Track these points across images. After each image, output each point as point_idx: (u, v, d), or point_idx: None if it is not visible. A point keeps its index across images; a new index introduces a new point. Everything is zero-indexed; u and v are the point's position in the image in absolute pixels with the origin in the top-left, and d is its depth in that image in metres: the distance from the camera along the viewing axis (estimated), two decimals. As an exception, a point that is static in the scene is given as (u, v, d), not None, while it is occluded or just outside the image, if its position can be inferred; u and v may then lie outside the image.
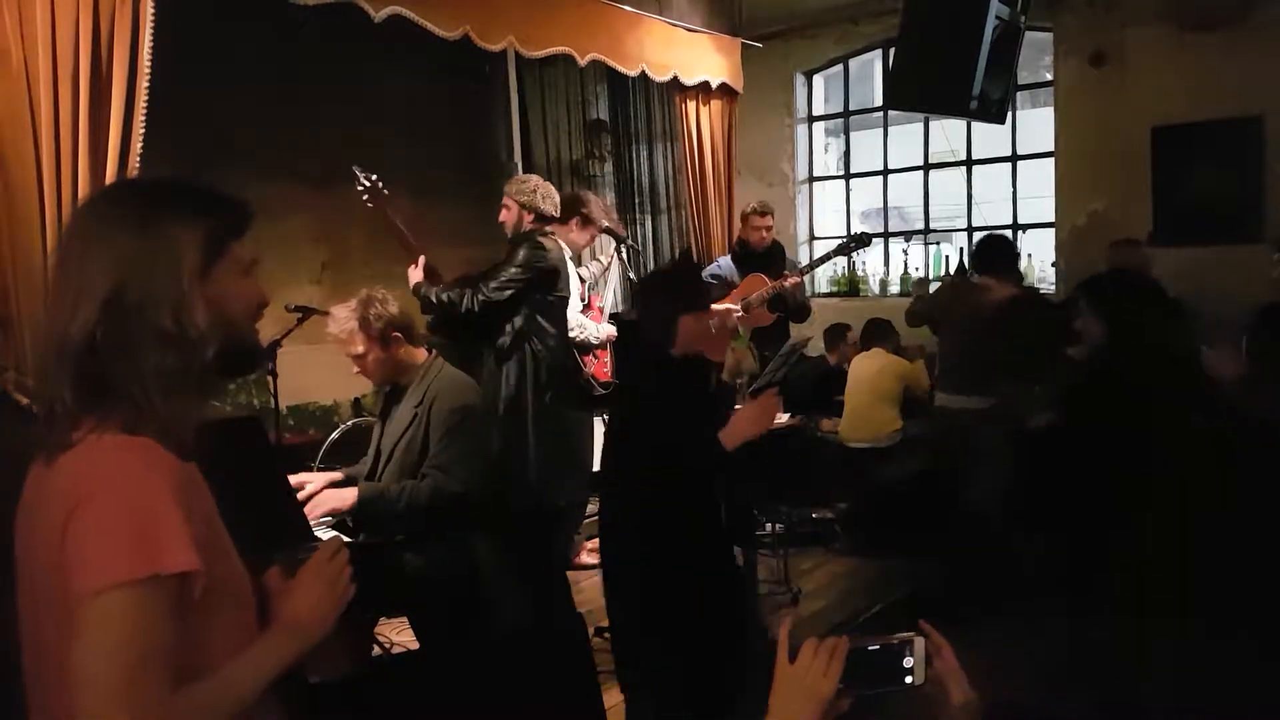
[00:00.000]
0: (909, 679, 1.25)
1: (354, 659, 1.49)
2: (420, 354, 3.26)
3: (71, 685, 1.14)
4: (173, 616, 1.17)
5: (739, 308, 5.44)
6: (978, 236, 6.72)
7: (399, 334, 3.17)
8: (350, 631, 1.42)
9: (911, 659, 1.26)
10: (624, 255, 4.99)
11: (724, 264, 5.68)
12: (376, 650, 3.63)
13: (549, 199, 4.31)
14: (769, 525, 5.01)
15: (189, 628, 1.21)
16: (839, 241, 5.87)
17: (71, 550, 1.17)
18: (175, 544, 1.17)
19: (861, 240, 5.68)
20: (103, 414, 1.22)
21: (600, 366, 4.71)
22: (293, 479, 3.18)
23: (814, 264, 5.83)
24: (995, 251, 4.71)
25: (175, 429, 1.26)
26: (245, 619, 1.33)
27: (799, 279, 5.46)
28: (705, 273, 5.67)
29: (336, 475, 3.33)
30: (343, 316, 3.15)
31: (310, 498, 3.14)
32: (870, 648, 1.26)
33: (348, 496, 3.08)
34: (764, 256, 5.55)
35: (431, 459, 3.09)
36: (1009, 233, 6.50)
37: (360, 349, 3.15)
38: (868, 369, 5.48)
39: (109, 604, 1.14)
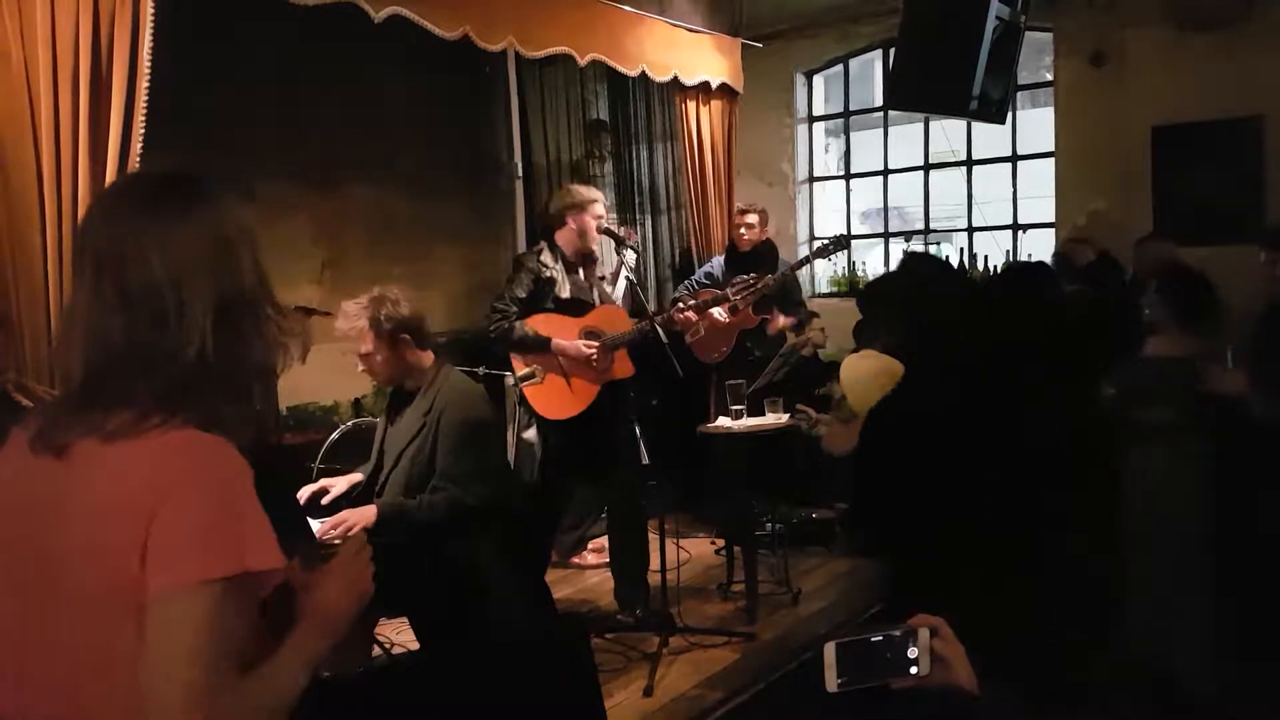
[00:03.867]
0: (914, 669, 1.24)
1: (363, 654, 1.52)
2: (428, 357, 3.23)
3: (144, 684, 1.12)
4: (247, 613, 1.18)
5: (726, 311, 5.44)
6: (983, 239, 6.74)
7: (408, 335, 3.15)
8: (361, 627, 1.44)
9: (916, 649, 1.25)
10: (625, 256, 4.96)
11: (716, 264, 5.68)
12: (376, 651, 3.64)
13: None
14: (769, 525, 5.01)
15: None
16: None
17: (156, 547, 1.14)
18: (260, 541, 1.17)
19: (839, 244, 5.66)
20: (173, 412, 1.20)
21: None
22: (317, 485, 3.22)
23: (795, 266, 5.82)
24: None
25: (250, 424, 1.26)
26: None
27: (769, 282, 5.39)
28: (699, 273, 5.67)
29: (358, 478, 3.33)
30: (353, 313, 3.13)
31: (333, 501, 3.18)
32: (873, 639, 1.25)
33: (369, 514, 3.08)
34: (753, 256, 5.54)
35: (444, 472, 3.08)
36: (1008, 233, 6.52)
37: (368, 348, 3.13)
38: (863, 369, 5.46)
39: (194, 601, 1.13)
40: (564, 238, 4.25)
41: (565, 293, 4.18)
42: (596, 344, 4.15)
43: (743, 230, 5.53)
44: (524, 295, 4.11)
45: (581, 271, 4.29)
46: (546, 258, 4.21)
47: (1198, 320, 3.37)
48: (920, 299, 2.60)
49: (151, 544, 1.14)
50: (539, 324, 4.11)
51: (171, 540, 1.14)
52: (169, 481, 1.16)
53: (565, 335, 4.13)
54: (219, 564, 1.14)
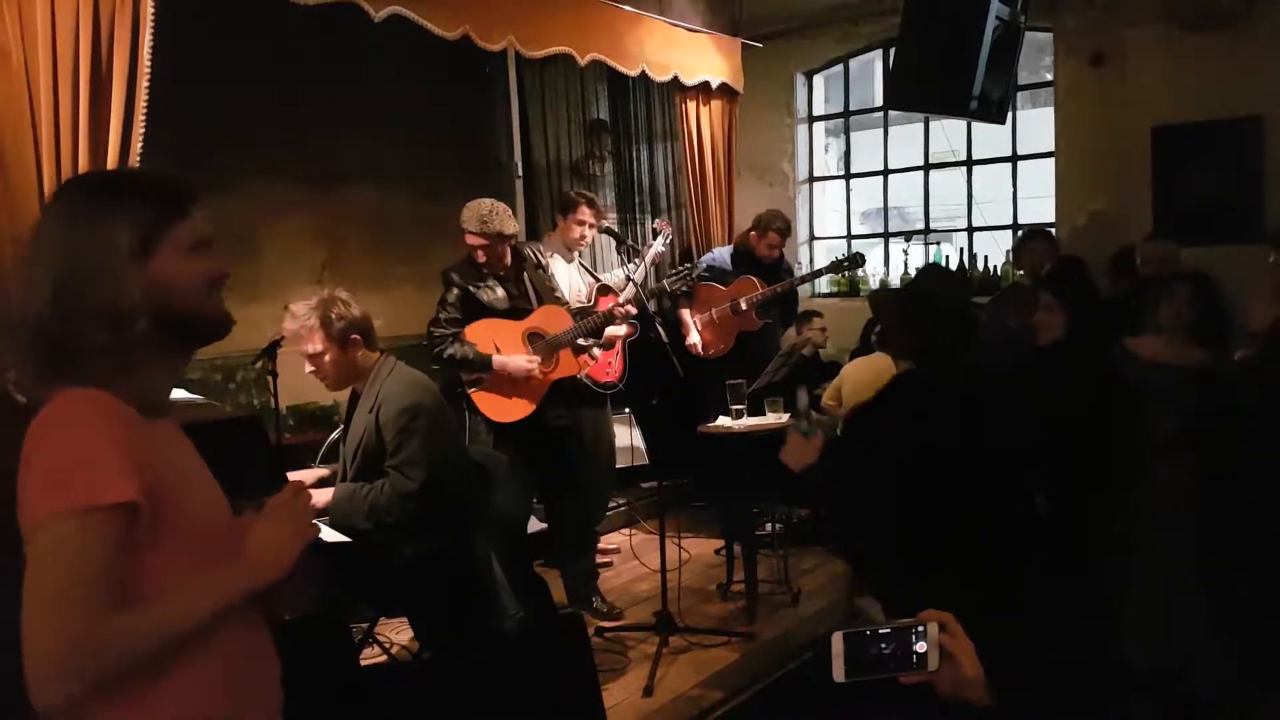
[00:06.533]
0: (923, 664, 1.23)
1: (316, 598, 1.60)
2: (375, 358, 3.22)
3: (24, 614, 1.22)
4: (114, 545, 1.26)
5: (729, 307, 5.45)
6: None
7: (358, 336, 3.13)
8: (312, 571, 1.55)
9: (924, 643, 1.23)
10: (625, 256, 4.97)
11: (719, 255, 5.65)
12: (377, 652, 3.64)
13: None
14: (769, 525, 5.01)
15: (148, 559, 1.31)
16: (840, 247, 5.86)
17: (22, 493, 1.27)
18: (112, 478, 1.26)
19: (856, 261, 5.66)
20: (69, 381, 1.33)
21: (601, 368, 4.67)
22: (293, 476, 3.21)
23: (805, 278, 5.81)
24: None
25: (135, 392, 1.37)
26: (212, 557, 1.40)
27: (776, 289, 5.41)
28: (702, 263, 5.64)
29: (324, 472, 3.34)
30: (302, 313, 3.09)
31: None
32: (881, 632, 1.22)
33: (324, 495, 3.11)
34: (766, 266, 5.53)
35: (389, 459, 3.09)
36: (1008, 233, 6.51)
37: (318, 347, 3.09)
38: (869, 371, 5.46)
39: (49, 535, 1.24)
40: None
41: (501, 304, 4.14)
42: (538, 357, 4.13)
43: (775, 250, 5.49)
44: (460, 315, 4.08)
45: (518, 277, 4.24)
46: (469, 271, 4.14)
47: (1218, 329, 3.20)
48: (931, 315, 2.67)
49: (19, 488, 1.28)
50: (480, 335, 4.07)
51: (29, 482, 1.27)
52: (37, 433, 1.30)
53: (507, 339, 4.11)
54: (66, 499, 1.24)
